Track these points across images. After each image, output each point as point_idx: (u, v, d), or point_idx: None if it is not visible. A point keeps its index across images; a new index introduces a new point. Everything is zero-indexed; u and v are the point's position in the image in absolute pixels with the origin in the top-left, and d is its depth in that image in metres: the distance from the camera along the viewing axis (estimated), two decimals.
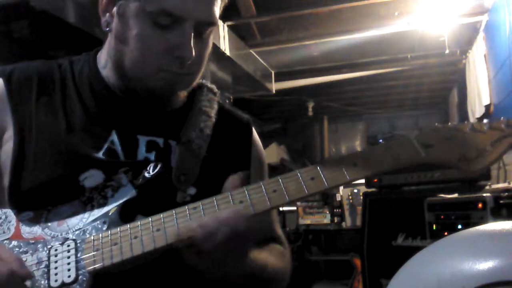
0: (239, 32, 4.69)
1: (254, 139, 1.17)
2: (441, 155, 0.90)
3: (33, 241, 0.89)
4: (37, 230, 0.90)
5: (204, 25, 0.96)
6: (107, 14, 0.99)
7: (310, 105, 7.41)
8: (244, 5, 4.17)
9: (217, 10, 0.97)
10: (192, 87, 1.06)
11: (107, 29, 0.99)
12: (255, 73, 5.34)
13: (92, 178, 0.94)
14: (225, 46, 4.37)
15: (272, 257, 1.06)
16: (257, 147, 1.18)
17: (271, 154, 7.33)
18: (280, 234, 1.18)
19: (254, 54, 5.26)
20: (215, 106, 1.11)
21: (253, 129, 1.19)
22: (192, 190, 1.00)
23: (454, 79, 6.51)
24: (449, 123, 0.94)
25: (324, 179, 0.88)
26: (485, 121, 0.93)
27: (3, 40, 3.31)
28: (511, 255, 0.87)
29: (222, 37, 4.33)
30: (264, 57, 5.45)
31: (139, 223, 0.87)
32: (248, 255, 0.93)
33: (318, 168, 0.89)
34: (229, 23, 4.41)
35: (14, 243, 0.89)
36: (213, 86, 1.15)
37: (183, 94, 1.04)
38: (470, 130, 0.91)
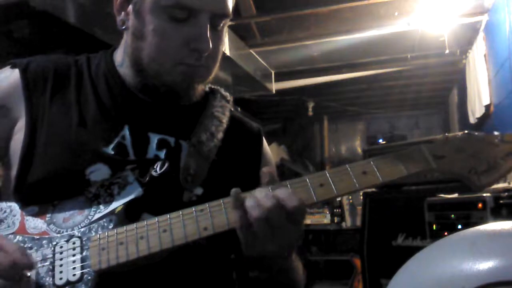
0: (239, 32, 4.69)
1: (264, 149, 1.18)
2: (451, 167, 0.89)
3: (37, 237, 0.88)
4: (42, 225, 0.89)
5: (219, 17, 0.97)
6: (123, 13, 1.00)
7: (310, 105, 7.41)
8: (244, 5, 4.17)
9: (231, 2, 0.99)
10: (206, 86, 1.06)
11: (123, 27, 1.00)
12: (255, 73, 5.34)
13: (98, 172, 0.93)
14: (225, 46, 4.37)
15: (298, 263, 1.06)
16: (266, 157, 1.18)
17: (271, 154, 7.32)
18: None
19: (254, 54, 5.26)
20: (227, 113, 1.11)
21: (264, 139, 1.19)
22: (199, 190, 0.99)
23: (454, 79, 6.51)
24: (460, 134, 0.92)
25: (333, 187, 0.87)
26: (496, 133, 0.92)
27: (3, 40, 3.31)
28: (511, 255, 0.87)
29: None
30: (264, 57, 5.45)
31: (145, 223, 0.87)
32: (292, 250, 0.94)
33: (328, 175, 0.88)
34: (229, 23, 4.39)
35: (19, 238, 0.88)
36: (227, 94, 1.16)
37: (200, 88, 1.04)
38: (482, 143, 0.90)
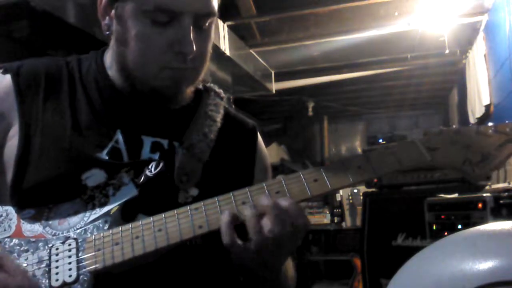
0: (239, 32, 4.69)
1: (259, 145, 1.17)
2: (446, 159, 0.90)
3: (34, 240, 0.88)
4: (38, 228, 0.89)
5: (203, 17, 0.95)
6: (107, 18, 0.98)
7: (310, 105, 7.42)
8: (244, 5, 4.17)
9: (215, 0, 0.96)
10: (199, 84, 1.05)
11: (108, 32, 0.99)
12: (255, 73, 5.34)
13: (94, 177, 0.93)
14: (225, 46, 4.36)
15: (290, 265, 1.06)
16: (261, 153, 1.17)
17: (271, 154, 7.34)
18: None
19: (254, 54, 5.26)
20: (221, 111, 1.10)
21: (258, 135, 1.18)
22: (194, 192, 0.99)
23: (454, 79, 6.51)
24: (454, 126, 0.93)
25: (327, 181, 0.87)
26: (490, 124, 0.92)
27: (3, 40, 3.31)
28: (511, 255, 0.87)
29: (222, 37, 4.33)
30: (264, 57, 5.45)
31: (140, 222, 0.87)
32: (287, 257, 0.93)
33: (322, 170, 0.89)
34: (229, 23, 4.41)
35: (15, 241, 0.88)
36: (221, 91, 1.15)
37: (189, 90, 1.04)
38: (475, 134, 0.90)
